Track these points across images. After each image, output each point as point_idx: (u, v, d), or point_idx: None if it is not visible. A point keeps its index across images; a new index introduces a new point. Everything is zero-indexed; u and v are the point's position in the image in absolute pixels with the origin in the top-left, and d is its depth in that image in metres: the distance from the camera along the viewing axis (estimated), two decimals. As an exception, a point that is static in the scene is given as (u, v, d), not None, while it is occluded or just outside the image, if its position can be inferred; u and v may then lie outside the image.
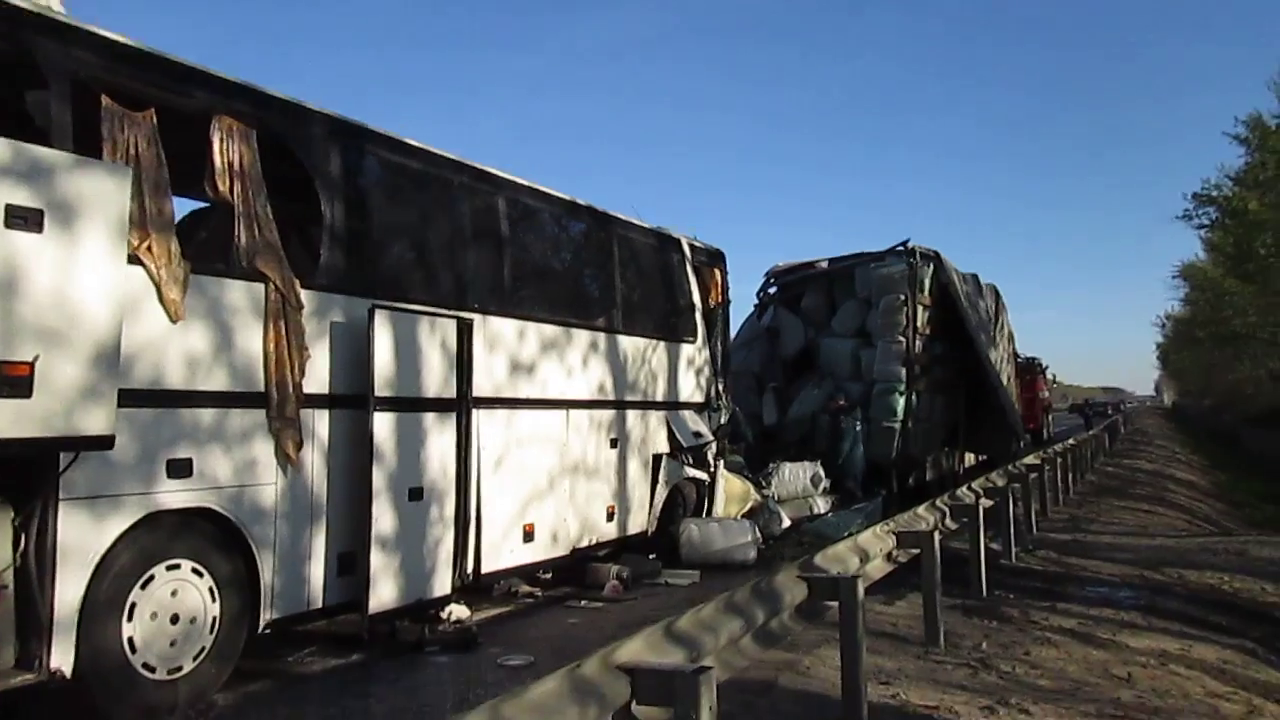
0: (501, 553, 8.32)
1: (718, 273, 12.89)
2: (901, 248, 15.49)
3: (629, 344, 10.44)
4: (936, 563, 7.38)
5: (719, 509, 11.73)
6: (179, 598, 5.65)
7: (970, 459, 20.46)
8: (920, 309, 15.40)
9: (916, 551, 7.57)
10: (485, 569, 8.12)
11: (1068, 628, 8.27)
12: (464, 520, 7.91)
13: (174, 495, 5.60)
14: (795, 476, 12.88)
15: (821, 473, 13.18)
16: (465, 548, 7.93)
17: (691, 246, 12.07)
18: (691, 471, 11.50)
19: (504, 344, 8.46)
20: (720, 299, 12.89)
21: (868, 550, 6.79)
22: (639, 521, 10.61)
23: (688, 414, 11.62)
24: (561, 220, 9.86)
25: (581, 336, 9.62)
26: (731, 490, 11.86)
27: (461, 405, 7.89)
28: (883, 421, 15.09)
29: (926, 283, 15.74)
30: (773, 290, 17.54)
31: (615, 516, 10.13)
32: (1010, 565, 10.98)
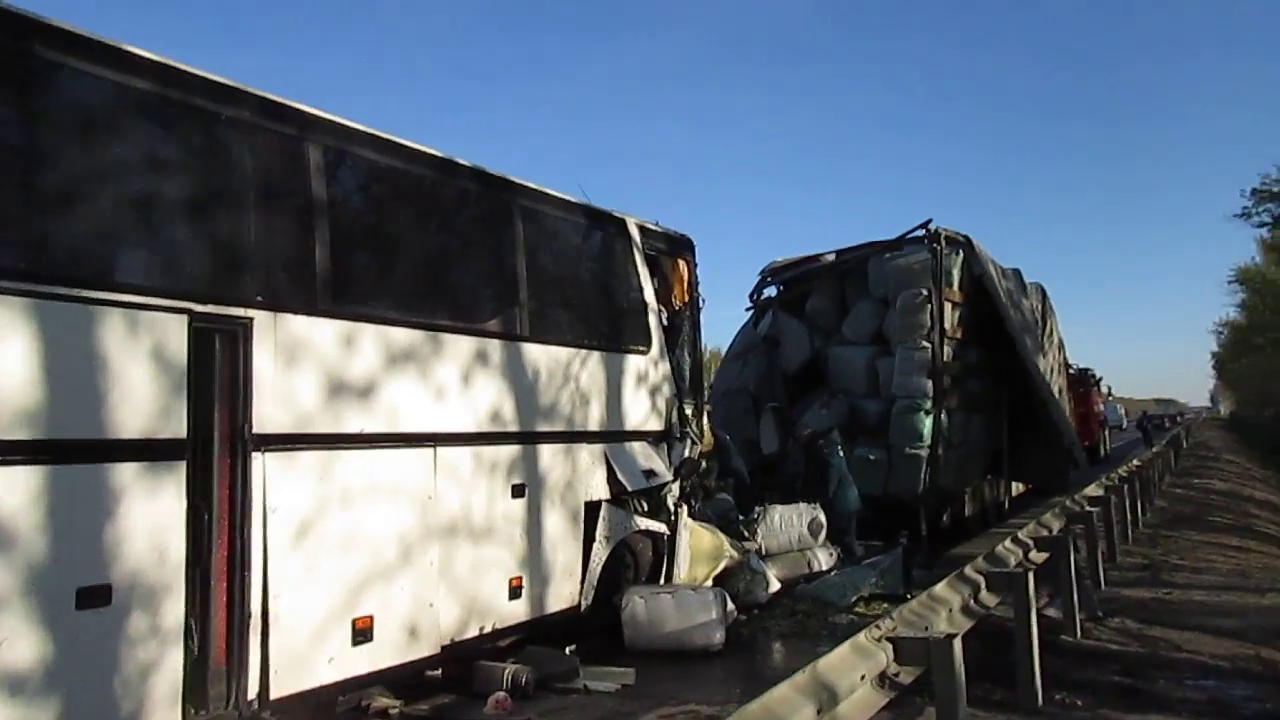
0: (312, 664, 5.61)
1: (683, 265, 10.15)
2: (922, 231, 12.54)
3: (542, 355, 7.72)
4: (959, 688, 4.54)
5: (682, 570, 8.92)
6: None
7: (1017, 486, 17.45)
8: (949, 306, 12.44)
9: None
10: (279, 691, 5.40)
11: (1171, 765, 5.39)
12: (240, 621, 5.23)
13: None
14: (788, 523, 9.99)
15: (822, 517, 10.27)
16: (241, 663, 5.24)
17: (642, 230, 9.34)
18: (644, 523, 8.73)
19: (315, 355, 5.78)
20: (686, 298, 10.15)
21: (835, 686, 3.95)
22: (564, 594, 7.85)
23: (638, 446, 8.86)
24: (428, 184, 7.14)
25: (461, 345, 6.92)
26: (699, 546, 9.03)
27: (236, 448, 5.26)
28: (905, 448, 12.14)
29: (955, 274, 12.76)
30: (770, 291, 14.64)
31: (524, 591, 7.38)
32: (1073, 644, 8.06)
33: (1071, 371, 27.86)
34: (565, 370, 7.99)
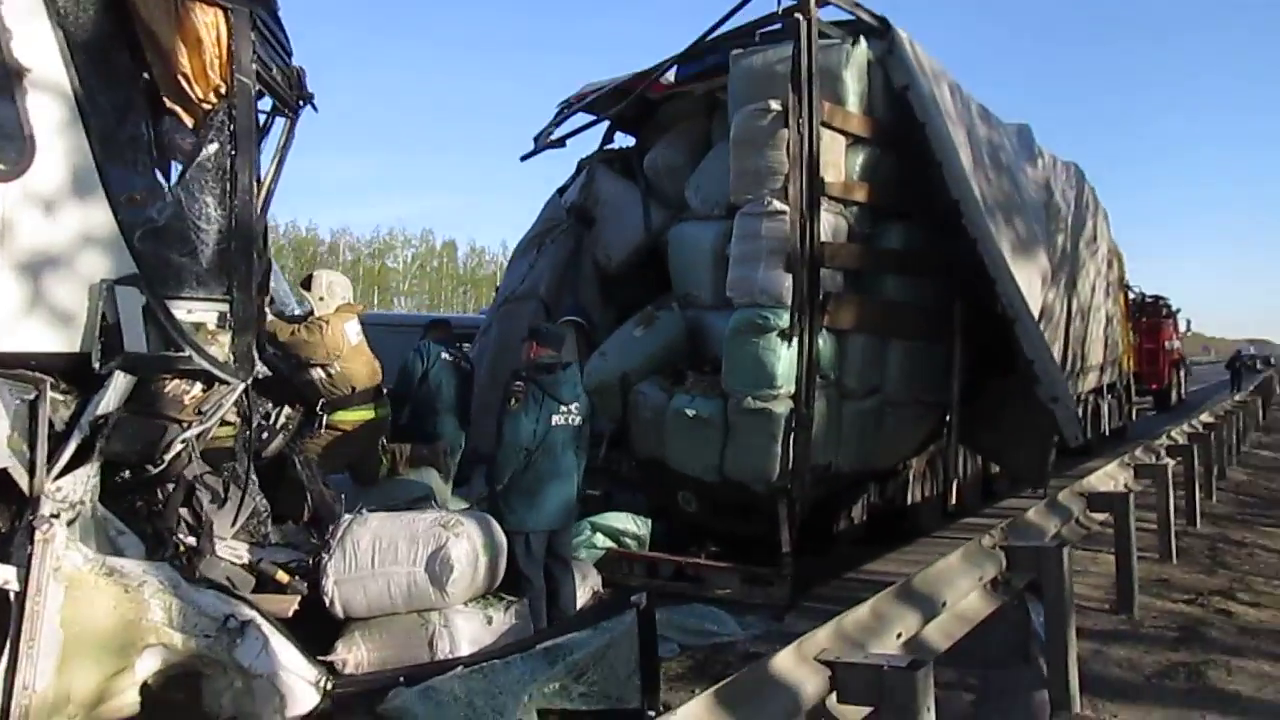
0: None
1: (211, 20, 4.90)
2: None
3: None
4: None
5: (38, 672, 3.87)
6: None
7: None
8: (835, 141, 6.92)
9: None
10: None
11: None
12: None
13: None
14: (387, 554, 4.76)
15: (458, 549, 4.89)
16: None
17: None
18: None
19: None
20: (223, 85, 4.94)
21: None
22: None
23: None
24: None
25: None
26: (88, 619, 3.95)
27: None
28: (746, 397, 6.78)
29: (850, 82, 7.11)
30: (574, 133, 9.10)
31: None
32: None
33: (1133, 296, 22.00)
34: None
